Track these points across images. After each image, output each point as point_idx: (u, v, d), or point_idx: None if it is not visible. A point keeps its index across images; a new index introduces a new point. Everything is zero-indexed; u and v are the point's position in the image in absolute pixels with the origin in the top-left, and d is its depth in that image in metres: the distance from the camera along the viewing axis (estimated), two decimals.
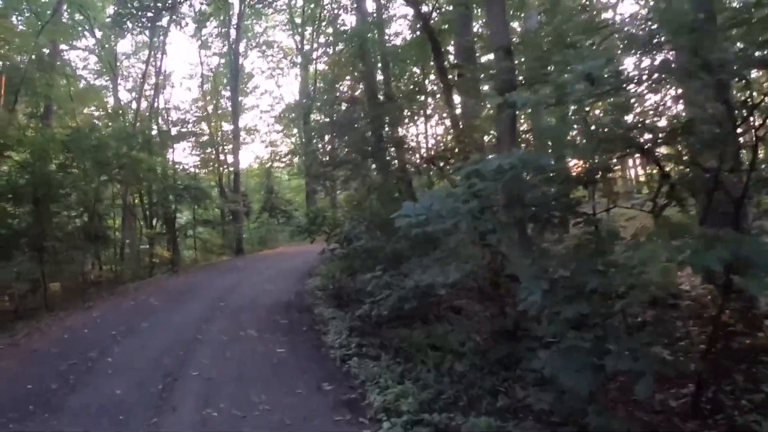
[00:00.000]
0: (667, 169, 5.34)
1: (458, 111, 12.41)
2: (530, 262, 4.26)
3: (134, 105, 29.53)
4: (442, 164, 12.68)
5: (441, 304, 9.44)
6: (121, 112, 27.18)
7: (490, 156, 6.87)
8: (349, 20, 23.74)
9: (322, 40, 33.44)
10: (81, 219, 19.16)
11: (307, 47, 35.58)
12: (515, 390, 6.12)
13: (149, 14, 25.28)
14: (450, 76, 12.07)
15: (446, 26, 13.18)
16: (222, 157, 33.01)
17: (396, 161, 13.47)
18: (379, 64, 15.65)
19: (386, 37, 16.67)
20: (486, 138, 11.97)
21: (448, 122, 13.88)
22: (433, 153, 13.29)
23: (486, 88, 10.98)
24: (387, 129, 13.77)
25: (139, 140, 19.75)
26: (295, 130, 38.17)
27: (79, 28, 28.76)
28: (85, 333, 10.42)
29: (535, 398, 5.37)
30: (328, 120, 16.51)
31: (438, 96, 14.24)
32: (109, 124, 25.06)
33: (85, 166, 17.78)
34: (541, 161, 4.64)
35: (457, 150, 12.00)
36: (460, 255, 7.01)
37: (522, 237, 8.50)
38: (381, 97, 14.56)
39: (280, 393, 6.56)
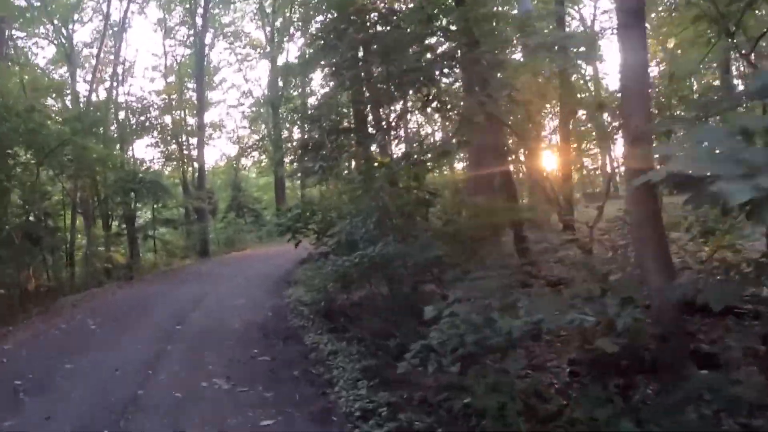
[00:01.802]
0: None
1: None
2: None
3: (89, 94, 25.07)
4: None
5: None
6: (69, 97, 22.92)
7: None
8: None
9: (292, 31, 29.76)
10: (21, 218, 15.27)
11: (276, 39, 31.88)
12: None
13: None
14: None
15: None
16: (186, 152, 29.21)
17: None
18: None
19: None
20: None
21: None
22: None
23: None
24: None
25: (84, 124, 15.70)
26: (263, 126, 34.63)
27: (35, 14, 24.24)
28: None
29: None
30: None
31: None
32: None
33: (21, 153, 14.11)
34: None
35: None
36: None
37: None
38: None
39: None
